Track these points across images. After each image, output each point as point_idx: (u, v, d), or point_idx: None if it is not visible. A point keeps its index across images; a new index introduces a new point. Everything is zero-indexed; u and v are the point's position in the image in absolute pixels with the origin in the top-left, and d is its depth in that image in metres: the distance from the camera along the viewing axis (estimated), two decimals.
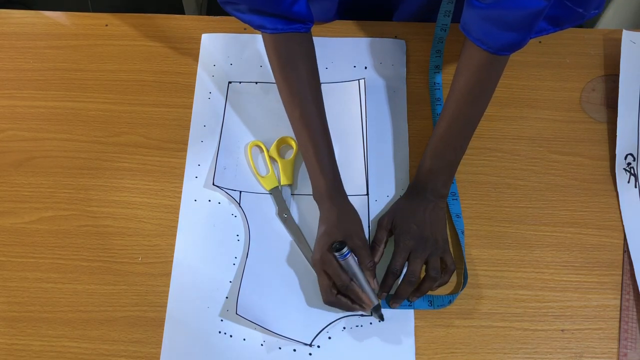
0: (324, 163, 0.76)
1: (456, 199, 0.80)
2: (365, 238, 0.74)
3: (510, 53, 0.72)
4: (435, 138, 0.77)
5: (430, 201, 0.76)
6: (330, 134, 0.78)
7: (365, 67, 0.90)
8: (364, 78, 0.88)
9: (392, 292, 0.74)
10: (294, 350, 0.72)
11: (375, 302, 0.72)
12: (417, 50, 0.91)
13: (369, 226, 0.79)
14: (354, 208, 0.76)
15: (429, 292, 0.74)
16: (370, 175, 0.82)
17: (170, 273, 0.76)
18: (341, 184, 0.77)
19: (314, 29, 0.83)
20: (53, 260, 0.77)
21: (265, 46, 0.78)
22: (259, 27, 0.75)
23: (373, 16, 0.95)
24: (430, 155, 0.77)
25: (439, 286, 0.74)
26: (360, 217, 0.78)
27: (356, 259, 0.71)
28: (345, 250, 0.69)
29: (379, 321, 0.73)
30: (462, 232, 0.78)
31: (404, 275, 0.73)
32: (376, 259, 0.74)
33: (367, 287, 0.71)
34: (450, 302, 0.74)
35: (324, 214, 0.76)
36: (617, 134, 0.83)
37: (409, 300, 0.74)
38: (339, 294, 0.71)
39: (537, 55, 0.91)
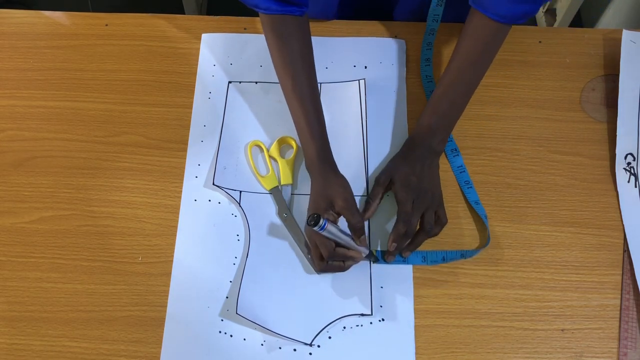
0: (313, 130, 0.78)
1: (471, 188, 0.81)
2: (352, 198, 0.75)
3: (524, 21, 0.75)
4: (436, 96, 0.79)
5: (427, 157, 0.78)
6: (321, 103, 0.80)
7: (365, 67, 0.90)
8: (364, 78, 0.88)
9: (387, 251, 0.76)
10: (294, 350, 0.72)
11: (365, 252, 0.74)
12: (417, 50, 0.91)
13: (368, 226, 0.79)
14: (340, 174, 0.78)
15: (423, 249, 0.77)
16: (370, 175, 0.82)
17: (170, 273, 0.76)
18: (330, 152, 0.79)
19: (314, 28, 0.83)
20: (53, 260, 0.77)
21: (261, 23, 0.80)
22: (252, 6, 0.77)
23: (374, 12, 0.95)
24: (430, 112, 0.79)
25: (429, 237, 0.76)
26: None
27: (336, 225, 0.72)
28: (321, 222, 0.68)
29: (375, 262, 0.77)
30: (485, 217, 0.79)
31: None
32: (368, 214, 0.78)
33: (354, 244, 0.73)
34: (444, 259, 0.76)
35: (312, 184, 0.78)
36: (617, 133, 0.83)
37: (401, 256, 0.76)
38: (329, 261, 0.74)
39: (537, 55, 0.91)
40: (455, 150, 0.83)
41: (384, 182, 0.78)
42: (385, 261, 0.76)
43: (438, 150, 0.79)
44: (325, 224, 0.69)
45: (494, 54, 0.79)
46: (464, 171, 0.82)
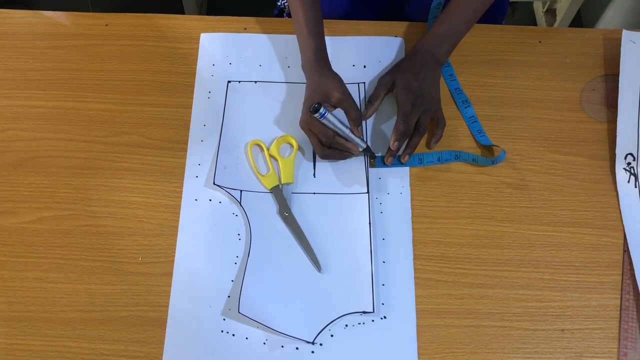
0: (311, 29, 0.82)
1: (484, 135, 0.84)
2: (347, 92, 0.79)
3: None
4: (449, 9, 0.85)
5: (430, 64, 0.83)
6: (321, 8, 0.84)
7: (365, 67, 0.90)
8: (364, 82, 0.88)
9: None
10: (297, 348, 0.72)
11: (363, 145, 0.80)
12: None
13: (369, 224, 0.79)
14: (334, 72, 0.82)
15: (430, 150, 0.83)
16: (371, 174, 0.82)
17: (171, 273, 0.76)
18: (326, 52, 0.83)
19: None
20: (53, 260, 0.77)
21: None
22: None
23: (384, 8, 0.96)
24: (440, 22, 0.85)
25: (436, 142, 0.83)
26: (361, 215, 0.79)
27: (336, 115, 0.77)
28: (322, 110, 0.75)
29: (372, 160, 0.82)
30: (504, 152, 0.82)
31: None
32: (369, 113, 0.82)
33: (352, 136, 0.79)
34: (439, 159, 0.81)
35: (308, 82, 0.83)
36: (617, 133, 0.84)
37: (400, 162, 0.81)
38: (329, 147, 0.79)
39: (537, 55, 0.91)
40: (467, 102, 0.86)
41: (387, 84, 0.82)
42: (385, 164, 0.81)
43: (442, 60, 0.84)
44: (325, 112, 0.75)
45: None
46: (475, 121, 0.85)
